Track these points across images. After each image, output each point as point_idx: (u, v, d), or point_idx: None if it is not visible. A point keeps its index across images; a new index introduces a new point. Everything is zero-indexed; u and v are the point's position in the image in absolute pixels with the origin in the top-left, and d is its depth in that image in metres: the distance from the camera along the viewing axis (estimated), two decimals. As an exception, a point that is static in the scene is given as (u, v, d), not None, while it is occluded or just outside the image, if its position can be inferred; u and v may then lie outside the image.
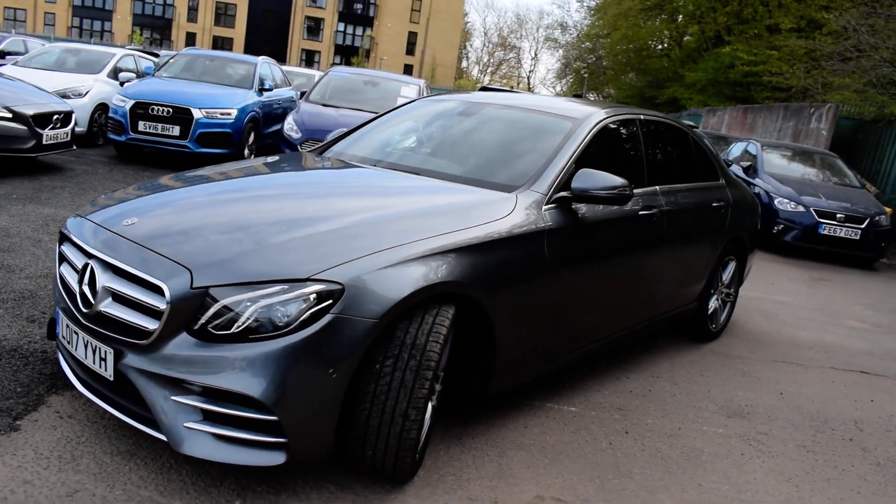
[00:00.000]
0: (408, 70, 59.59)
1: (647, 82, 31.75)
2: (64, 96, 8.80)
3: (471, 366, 2.83)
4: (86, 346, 2.42)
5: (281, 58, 55.11)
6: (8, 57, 12.12)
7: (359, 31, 59.96)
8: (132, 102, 8.37)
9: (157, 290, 2.24)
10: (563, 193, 3.06)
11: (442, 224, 2.61)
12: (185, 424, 2.21)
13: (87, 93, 9.18)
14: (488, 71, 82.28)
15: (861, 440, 3.52)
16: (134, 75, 9.91)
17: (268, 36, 58.11)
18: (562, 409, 3.35)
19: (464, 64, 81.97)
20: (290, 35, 58.82)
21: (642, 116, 3.95)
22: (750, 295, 6.38)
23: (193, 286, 2.20)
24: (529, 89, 75.97)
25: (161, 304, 2.22)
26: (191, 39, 56.01)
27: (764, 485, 2.91)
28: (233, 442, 2.21)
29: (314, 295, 2.19)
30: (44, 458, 2.40)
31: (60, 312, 2.60)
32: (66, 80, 9.25)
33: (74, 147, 7.52)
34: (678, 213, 3.90)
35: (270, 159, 3.64)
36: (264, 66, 10.48)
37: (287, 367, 2.14)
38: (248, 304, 2.17)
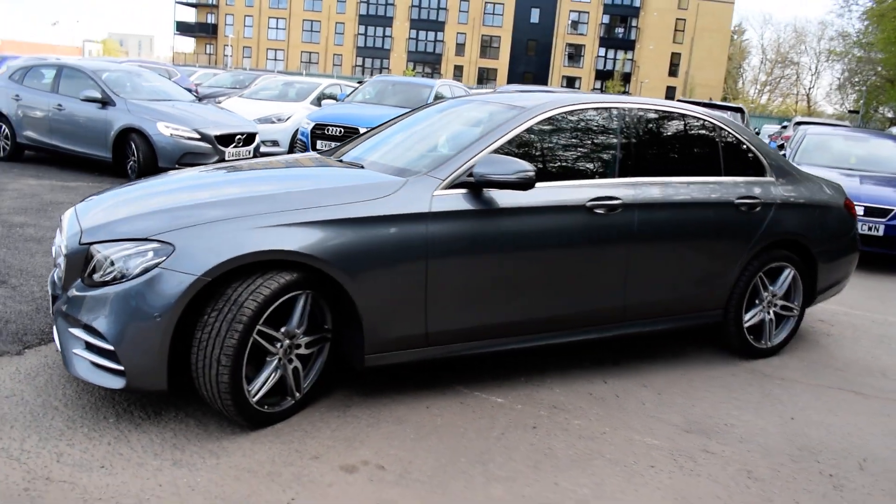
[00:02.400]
0: (670, 92, 57.47)
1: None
2: (268, 121, 10.46)
3: (351, 339, 3.02)
4: (48, 294, 3.15)
5: (543, 85, 56.95)
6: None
7: (620, 55, 59.44)
8: (313, 124, 9.66)
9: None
10: (467, 179, 3.10)
11: (312, 202, 2.86)
12: (74, 351, 2.78)
13: (288, 118, 10.78)
14: (766, 90, 75.75)
15: (845, 477, 2.90)
16: (333, 101, 11.35)
17: (530, 65, 60.50)
18: (486, 399, 3.32)
19: (739, 84, 76.56)
20: (552, 62, 60.45)
21: (630, 106, 3.70)
22: (890, 319, 5.32)
23: (81, 242, 2.78)
24: (809, 107, 68.22)
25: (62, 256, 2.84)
26: (458, 72, 60.59)
27: (638, 498, 2.62)
28: (97, 367, 2.72)
29: (151, 252, 2.64)
30: (18, 374, 3.15)
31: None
32: (273, 108, 10.96)
33: (257, 162, 8.93)
34: (663, 207, 3.57)
35: (262, 160, 4.13)
36: (442, 87, 11.26)
37: (122, 308, 2.61)
38: (112, 257, 2.69)
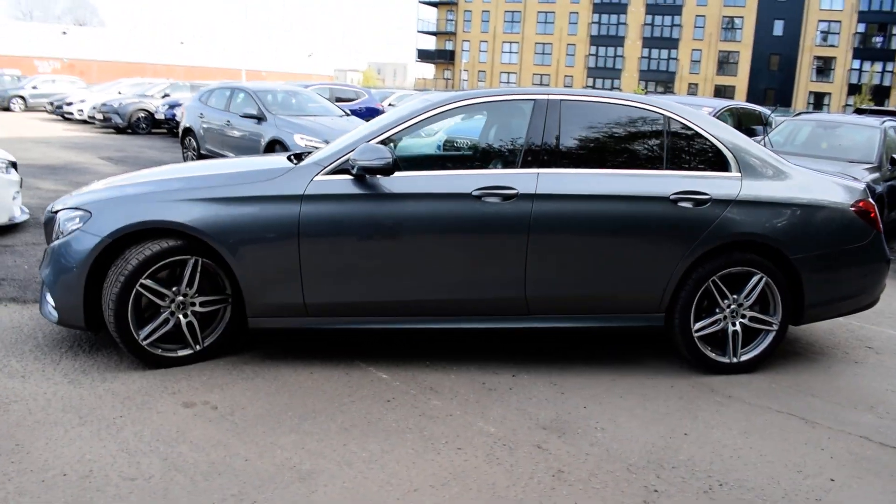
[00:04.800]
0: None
1: None
2: (411, 135, 11.31)
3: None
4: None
5: (786, 101, 52.12)
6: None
7: (878, 66, 52.12)
8: (445, 137, 10.27)
9: (50, 214, 3.76)
10: (346, 166, 3.43)
11: (206, 184, 3.42)
12: (43, 294, 3.63)
13: (436, 133, 11.52)
14: None
15: (670, 496, 2.67)
16: (479, 117, 11.90)
17: (772, 80, 55.68)
18: (372, 373, 3.56)
19: None
20: (797, 77, 54.99)
21: (554, 98, 3.64)
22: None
23: (51, 211, 3.64)
24: None
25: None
26: (692, 89, 57.71)
27: (407, 469, 2.72)
28: (51, 305, 3.52)
29: (78, 218, 3.39)
30: (34, 315, 4.12)
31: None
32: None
33: (384, 170, 9.79)
34: (572, 199, 3.50)
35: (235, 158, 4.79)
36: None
37: (55, 259, 3.41)
38: (62, 221, 3.50)
